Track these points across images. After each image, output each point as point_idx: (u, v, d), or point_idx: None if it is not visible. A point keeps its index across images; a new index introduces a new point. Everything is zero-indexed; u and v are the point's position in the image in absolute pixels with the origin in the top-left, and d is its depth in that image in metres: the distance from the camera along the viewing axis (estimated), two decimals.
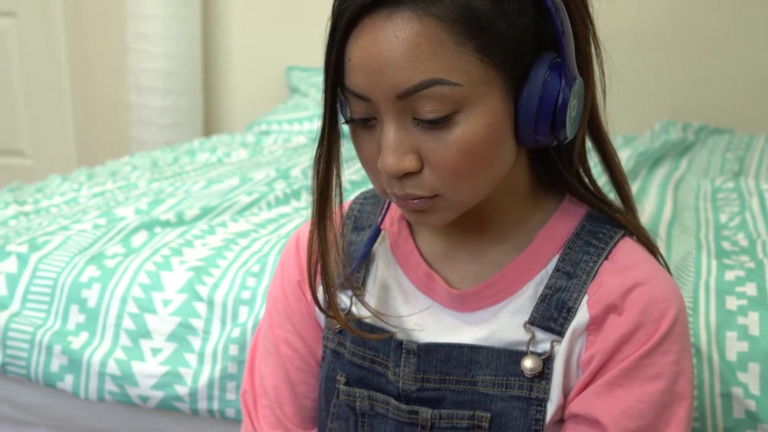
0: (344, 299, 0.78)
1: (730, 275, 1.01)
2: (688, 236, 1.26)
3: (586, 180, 0.74)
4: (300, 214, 1.49)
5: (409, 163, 0.63)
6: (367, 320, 0.76)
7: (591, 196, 0.73)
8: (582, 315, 0.68)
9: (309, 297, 0.80)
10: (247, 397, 0.85)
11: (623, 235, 0.72)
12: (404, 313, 0.75)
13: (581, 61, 0.67)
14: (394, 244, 0.78)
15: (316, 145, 0.69)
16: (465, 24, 0.60)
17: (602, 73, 0.71)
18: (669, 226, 1.30)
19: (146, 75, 2.84)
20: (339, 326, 0.78)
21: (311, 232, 0.73)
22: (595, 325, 0.68)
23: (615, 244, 0.70)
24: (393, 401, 0.73)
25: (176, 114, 2.87)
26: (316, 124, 2.46)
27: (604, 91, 0.72)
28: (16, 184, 1.77)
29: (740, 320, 0.93)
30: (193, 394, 1.12)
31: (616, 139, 2.31)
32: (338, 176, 0.70)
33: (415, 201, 0.65)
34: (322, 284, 0.74)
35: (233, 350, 1.11)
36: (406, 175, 0.64)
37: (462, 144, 0.62)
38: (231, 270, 1.18)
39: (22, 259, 1.25)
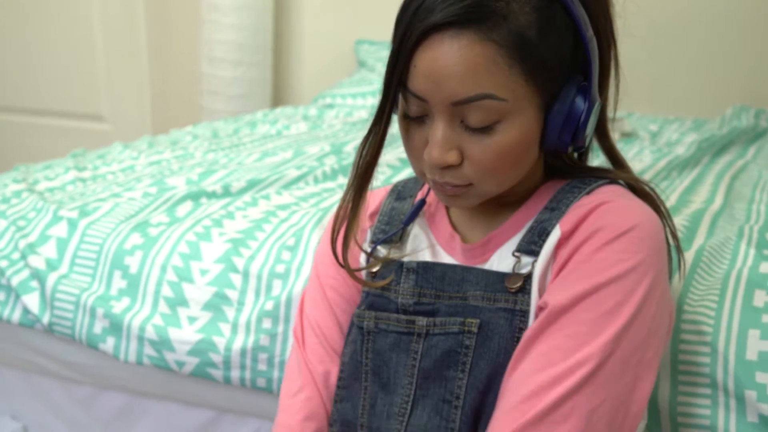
0: (382, 250, 0.90)
1: (765, 267, 0.96)
2: (733, 227, 1.21)
3: (576, 167, 0.85)
4: (344, 189, 1.49)
5: (452, 157, 0.75)
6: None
7: (579, 173, 0.84)
8: (555, 233, 0.78)
9: (354, 250, 0.91)
10: (297, 334, 0.94)
11: (610, 181, 0.82)
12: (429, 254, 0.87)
13: (603, 83, 0.80)
14: (429, 214, 0.91)
15: (366, 132, 0.80)
16: (517, 50, 0.71)
17: (617, 92, 0.84)
18: (715, 216, 1.25)
19: (218, 46, 2.89)
20: (373, 270, 0.88)
21: (342, 202, 0.84)
22: (564, 239, 0.77)
23: (600, 186, 0.81)
24: (393, 315, 0.84)
25: (245, 85, 2.91)
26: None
27: (615, 104, 0.86)
28: (80, 150, 1.83)
29: (765, 318, 0.89)
30: (226, 362, 1.14)
31: (685, 123, 2.23)
32: (376, 164, 0.81)
33: (451, 187, 0.78)
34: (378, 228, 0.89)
35: (266, 323, 1.14)
36: (447, 167, 0.76)
37: (499, 148, 0.74)
38: (267, 243, 1.20)
39: (72, 224, 1.30)
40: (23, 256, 1.29)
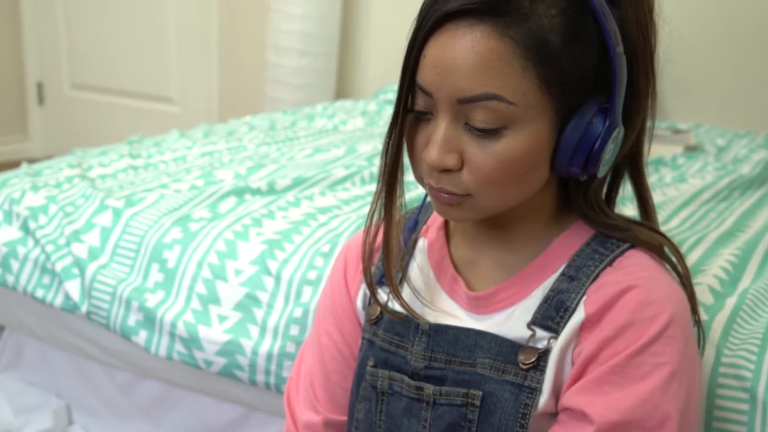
0: (382, 294, 0.83)
1: None
2: None
3: (598, 208, 0.77)
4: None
5: (451, 160, 0.69)
6: (399, 310, 0.82)
7: (597, 222, 0.77)
8: (579, 313, 0.73)
9: (352, 292, 0.88)
10: (293, 374, 0.92)
11: (632, 246, 0.75)
12: (430, 310, 0.81)
13: (634, 108, 0.73)
14: (431, 250, 0.85)
15: (387, 131, 0.74)
16: (535, 53, 0.66)
17: (653, 125, 0.78)
18: None
19: (285, 35, 2.90)
20: (375, 317, 0.84)
21: (371, 213, 0.79)
22: (590, 323, 0.72)
23: (622, 253, 0.75)
24: (406, 379, 0.80)
25: (310, 75, 2.92)
26: None
27: (650, 140, 0.79)
28: (137, 136, 1.86)
29: None
30: (252, 366, 1.14)
31: (755, 139, 2.14)
32: (402, 163, 0.75)
33: (446, 195, 0.71)
34: (383, 259, 0.80)
35: (294, 330, 1.13)
36: (445, 171, 0.70)
37: (501, 156, 0.68)
38: (303, 247, 1.20)
39: (117, 214, 1.32)
40: (68, 243, 1.31)
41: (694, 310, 0.77)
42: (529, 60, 0.66)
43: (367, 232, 0.81)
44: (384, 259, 0.79)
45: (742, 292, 0.99)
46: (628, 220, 0.78)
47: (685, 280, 0.77)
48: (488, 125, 0.67)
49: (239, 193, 1.41)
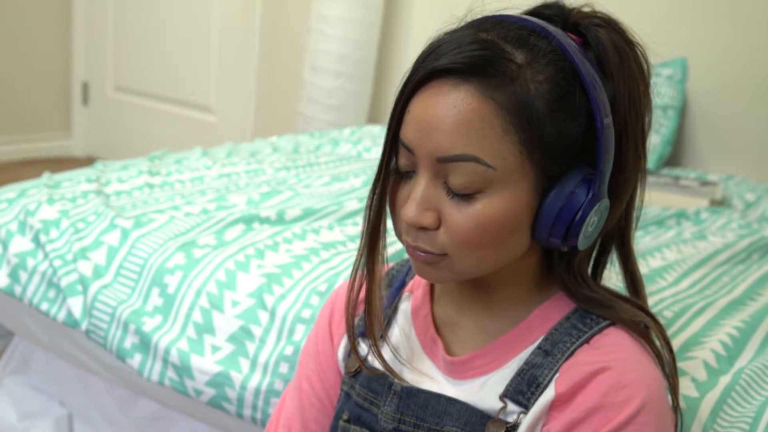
0: (363, 347, 0.83)
1: None
2: None
3: (582, 281, 0.76)
4: None
5: (428, 219, 0.69)
6: (378, 367, 0.81)
7: (577, 296, 0.75)
8: (549, 391, 0.71)
9: (335, 341, 0.88)
10: (270, 428, 0.92)
11: (611, 324, 0.73)
12: (408, 369, 0.80)
13: (622, 184, 0.72)
14: (414, 307, 0.84)
15: (371, 187, 0.75)
16: (518, 117, 0.65)
17: (641, 201, 0.77)
18: None
19: (322, 55, 2.92)
20: (354, 370, 0.83)
21: (355, 269, 0.79)
22: (560, 402, 0.70)
23: (600, 330, 0.73)
24: None
25: (344, 97, 2.93)
26: None
27: (638, 218, 0.78)
28: (159, 152, 1.88)
29: None
30: (240, 399, 1.14)
31: None
32: (386, 220, 0.75)
33: (423, 254, 0.71)
34: (365, 317, 0.80)
35: (283, 368, 1.13)
36: (423, 229, 0.70)
37: (477, 219, 0.68)
38: (301, 283, 1.20)
39: (124, 234, 1.34)
40: (75, 259, 1.33)
41: (675, 398, 0.75)
42: (512, 124, 0.65)
43: (351, 287, 0.80)
44: (366, 316, 0.79)
45: (738, 371, 0.96)
46: (614, 295, 0.76)
47: (667, 365, 0.75)
48: (465, 188, 0.67)
49: (248, 221, 1.42)
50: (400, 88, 0.70)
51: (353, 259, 1.25)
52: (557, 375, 0.72)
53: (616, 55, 0.70)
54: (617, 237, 0.78)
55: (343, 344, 0.87)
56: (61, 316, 1.32)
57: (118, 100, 4.04)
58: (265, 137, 3.29)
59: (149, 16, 3.81)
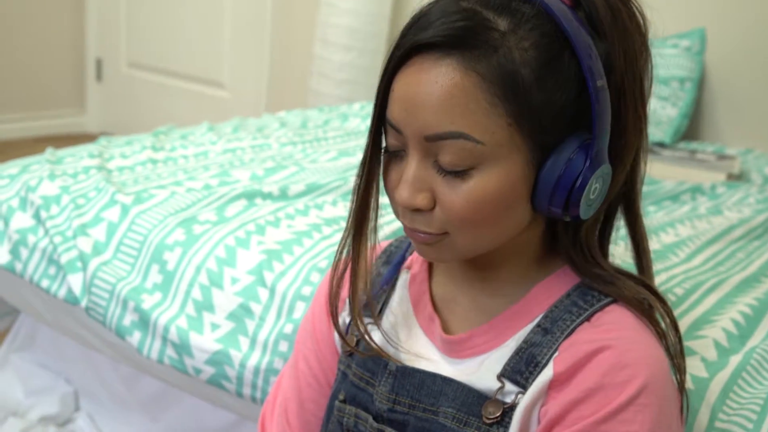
0: (361, 321, 0.79)
1: None
2: None
3: (588, 254, 0.72)
4: None
5: (422, 201, 0.66)
6: (373, 346, 0.78)
7: (582, 271, 0.72)
8: (548, 371, 0.68)
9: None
10: (267, 408, 0.90)
11: (613, 301, 0.70)
12: (405, 347, 0.78)
13: (623, 147, 0.69)
14: (412, 283, 0.81)
15: (359, 167, 0.72)
16: (503, 88, 0.62)
17: (645, 163, 0.73)
18: None
19: (332, 29, 2.87)
20: (349, 349, 0.81)
21: (338, 253, 0.77)
22: (558, 382, 0.68)
23: (601, 308, 0.70)
24: (371, 419, 0.77)
25: (354, 71, 2.89)
26: None
27: (642, 180, 0.74)
28: (165, 128, 1.86)
29: None
30: (239, 378, 1.12)
31: None
32: (375, 203, 0.73)
33: (422, 234, 0.68)
34: (349, 303, 0.78)
35: (283, 346, 1.11)
36: (418, 211, 0.67)
37: (471, 195, 0.65)
38: (301, 260, 1.17)
39: (124, 210, 1.32)
40: (75, 235, 1.31)
41: (681, 379, 0.72)
42: (497, 96, 0.62)
43: (335, 267, 0.78)
44: (350, 305, 0.77)
45: (749, 351, 0.93)
46: (619, 271, 0.73)
47: (672, 346, 0.72)
48: (455, 166, 0.64)
49: (250, 196, 1.39)
50: (383, 65, 0.67)
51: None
52: (556, 354, 0.69)
53: (608, 13, 0.66)
54: (623, 202, 0.74)
55: (340, 322, 0.84)
56: (62, 293, 1.31)
57: (132, 76, 4.02)
58: (275, 113, 3.29)
59: None
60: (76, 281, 1.28)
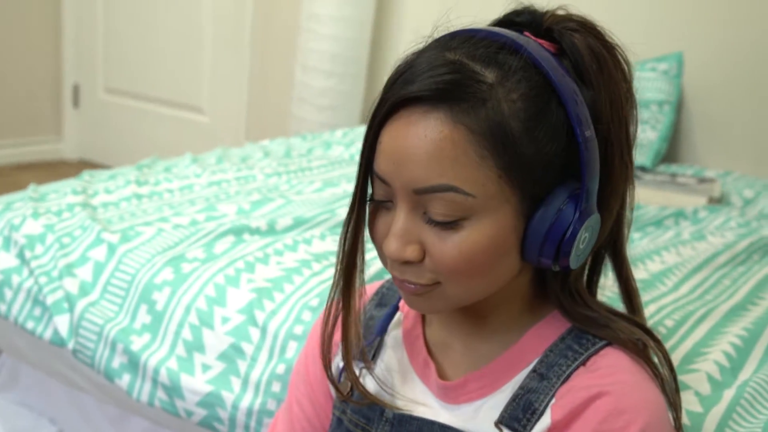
0: (354, 369, 0.78)
1: None
2: None
3: (579, 298, 0.72)
4: None
5: (411, 253, 0.66)
6: (368, 396, 0.78)
7: (572, 315, 0.72)
8: (546, 418, 0.68)
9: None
10: None
11: (608, 344, 0.70)
12: (400, 393, 0.77)
13: (610, 194, 0.69)
14: (406, 328, 0.81)
15: (345, 218, 0.72)
16: (492, 140, 0.62)
17: (631, 210, 0.73)
18: None
19: (313, 55, 2.88)
20: (343, 398, 0.80)
21: (330, 301, 0.77)
22: (556, 429, 0.67)
23: (596, 351, 0.70)
24: None
25: (336, 97, 2.90)
26: None
27: (629, 225, 0.74)
28: (148, 160, 1.85)
29: None
30: (232, 420, 1.11)
31: None
32: (362, 251, 0.73)
33: (412, 286, 0.68)
34: (342, 352, 0.77)
35: (276, 387, 1.10)
36: (408, 263, 0.67)
37: (462, 246, 0.64)
38: (292, 298, 1.17)
39: (111, 249, 1.30)
40: (61, 276, 1.30)
41: (677, 417, 0.72)
42: (487, 148, 0.62)
43: (326, 319, 0.78)
44: (343, 351, 0.76)
45: (742, 384, 0.94)
46: (610, 311, 0.73)
47: (668, 384, 0.72)
48: (446, 218, 0.64)
49: (238, 232, 1.38)
50: (369, 116, 0.67)
51: None
52: (553, 401, 0.69)
53: (594, 61, 0.66)
54: (610, 247, 0.75)
55: (334, 366, 0.84)
56: (48, 334, 1.29)
57: (109, 102, 4.00)
58: (257, 138, 3.27)
59: (139, 17, 3.77)
60: (62, 323, 1.26)
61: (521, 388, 0.71)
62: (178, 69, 3.71)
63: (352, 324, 0.75)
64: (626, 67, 0.70)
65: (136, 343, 1.20)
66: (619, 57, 0.69)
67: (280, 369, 1.10)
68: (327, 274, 1.23)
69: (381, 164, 0.66)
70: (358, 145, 2.16)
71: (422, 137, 0.63)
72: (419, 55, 0.66)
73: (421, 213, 0.65)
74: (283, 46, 3.24)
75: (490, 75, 0.63)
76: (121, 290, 1.26)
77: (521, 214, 0.65)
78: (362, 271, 0.75)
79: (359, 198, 0.70)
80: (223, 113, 3.60)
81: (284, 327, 1.13)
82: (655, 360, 0.72)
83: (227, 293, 1.19)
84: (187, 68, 3.68)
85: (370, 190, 0.71)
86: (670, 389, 0.72)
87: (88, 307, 1.25)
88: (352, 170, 1.93)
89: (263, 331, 1.14)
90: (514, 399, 0.70)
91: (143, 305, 1.23)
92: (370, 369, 0.79)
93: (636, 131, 0.71)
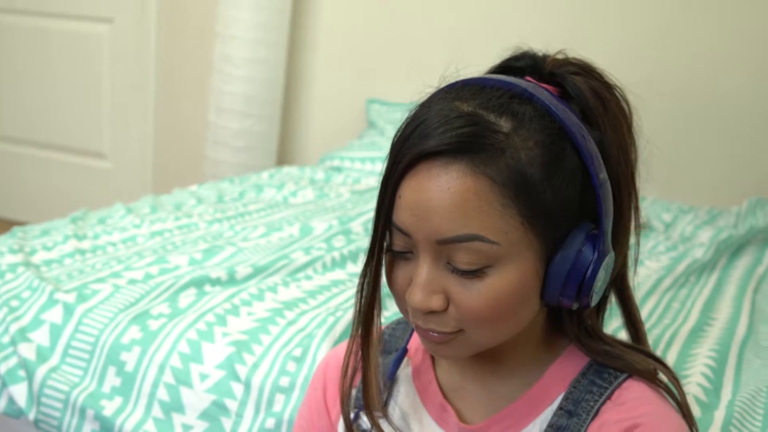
0: (366, 420, 0.78)
1: None
2: (763, 361, 1.16)
3: (594, 334, 0.74)
4: (353, 281, 1.44)
5: (436, 302, 0.66)
6: None
7: (590, 350, 0.73)
8: None
9: (333, 417, 0.83)
10: None
11: (629, 376, 0.72)
12: None
13: (619, 229, 0.70)
14: (415, 372, 0.80)
15: (362, 269, 0.72)
16: (514, 188, 0.63)
17: (637, 243, 0.74)
18: (741, 347, 1.19)
19: (227, 97, 2.84)
20: None
21: (348, 354, 0.77)
22: None
23: (619, 384, 0.71)
24: None
25: (252, 138, 2.87)
26: None
27: (636, 258, 0.75)
28: (80, 212, 1.77)
29: None
30: None
31: (699, 214, 2.19)
32: (379, 302, 0.73)
33: (436, 334, 0.68)
34: (364, 403, 0.76)
35: None
36: (432, 312, 0.67)
37: (489, 295, 0.65)
38: (273, 349, 1.14)
39: (68, 310, 1.24)
40: (13, 342, 1.22)
41: None
42: (509, 197, 0.63)
43: (344, 373, 0.77)
44: (364, 403, 0.75)
45: (729, 404, 0.99)
46: (621, 344, 0.75)
47: (684, 409, 0.75)
48: (470, 266, 0.64)
49: (199, 284, 1.34)
50: (385, 171, 0.67)
51: (321, 318, 1.21)
52: None
53: (599, 103, 0.69)
54: (616, 282, 0.76)
55: (342, 418, 0.83)
56: (1, 405, 1.21)
57: (4, 151, 3.80)
58: (167, 182, 3.19)
59: (30, 58, 3.61)
60: (19, 392, 1.19)
61: (550, 426, 0.71)
62: (76, 113, 3.57)
63: (372, 375, 0.75)
64: (626, 107, 0.72)
65: (108, 408, 1.14)
66: (620, 97, 0.72)
67: (270, 423, 1.07)
68: (302, 322, 1.21)
69: (402, 217, 0.66)
70: (290, 187, 2.15)
71: (445, 189, 0.63)
72: (428, 108, 0.67)
73: (444, 263, 0.66)
74: (193, 87, 3.18)
75: (505, 124, 0.64)
76: (84, 353, 1.20)
77: (542, 258, 0.66)
78: (379, 323, 0.74)
79: (378, 249, 0.69)
80: (127, 158, 3.49)
81: (269, 380, 1.10)
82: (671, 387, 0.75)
83: (202, 348, 1.15)
84: (85, 111, 3.54)
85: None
86: (689, 414, 0.75)
87: (49, 373, 1.18)
88: (291, 213, 1.92)
89: (247, 385, 1.11)
90: None
91: (111, 367, 1.17)
92: (387, 416, 0.78)
93: (637, 171, 0.75)
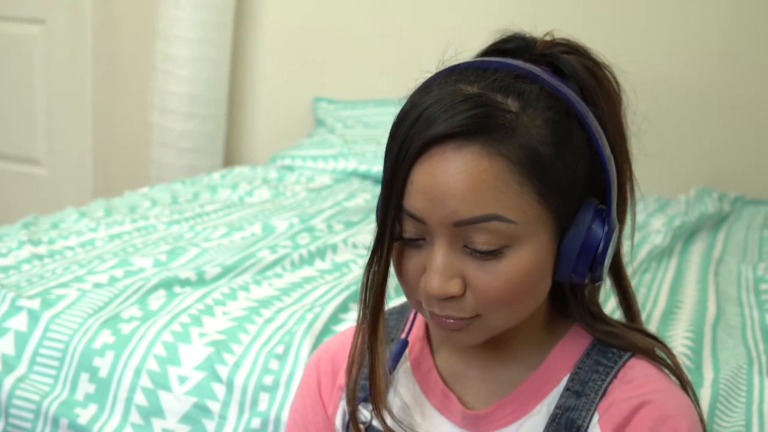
0: (365, 413, 0.78)
1: None
2: (735, 341, 1.19)
3: (597, 313, 0.75)
4: (324, 277, 1.42)
5: (454, 287, 0.65)
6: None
7: (596, 330, 0.74)
8: None
9: (329, 411, 0.82)
10: None
11: (632, 355, 0.73)
12: (422, 430, 0.76)
13: (619, 204, 0.71)
14: (414, 362, 0.79)
15: (368, 259, 0.70)
16: (529, 166, 0.63)
17: (633, 219, 0.74)
18: (714, 327, 1.22)
19: (171, 97, 2.78)
20: None
21: (354, 347, 0.76)
22: None
23: (624, 363, 0.72)
24: None
25: (197, 139, 2.81)
26: (341, 164, 2.37)
27: (633, 234, 0.74)
28: (30, 217, 1.70)
29: None
30: None
31: (648, 203, 2.24)
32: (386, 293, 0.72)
33: (453, 321, 0.67)
34: (369, 397, 0.75)
35: None
36: (449, 298, 0.66)
37: (508, 275, 0.65)
38: (253, 348, 1.12)
39: (33, 317, 1.19)
40: None
41: (699, 411, 0.76)
42: (524, 175, 0.63)
43: (349, 369, 0.77)
44: (372, 396, 0.74)
45: (714, 382, 1.01)
46: (620, 323, 0.76)
47: (686, 384, 0.76)
48: (490, 246, 0.64)
49: (167, 285, 1.31)
50: (392, 158, 0.65)
51: (299, 315, 1.19)
52: (597, 416, 0.70)
53: (593, 80, 0.70)
54: (613, 263, 0.76)
55: (340, 411, 0.81)
56: None
57: None
58: (108, 188, 3.10)
59: None
60: None
61: (558, 407, 0.72)
62: (9, 118, 3.45)
63: (379, 368, 0.74)
64: (615, 84, 0.73)
65: (83, 416, 1.10)
66: (609, 74, 0.72)
67: (255, 423, 1.05)
68: (280, 319, 1.19)
69: (415, 202, 0.65)
70: (245, 187, 2.12)
71: (462, 171, 0.63)
72: (429, 93, 0.66)
73: (461, 246, 0.65)
74: (133, 88, 3.10)
75: (513, 104, 0.64)
76: (54, 360, 1.15)
77: (554, 235, 0.67)
78: (384, 315, 0.73)
79: (389, 238, 0.68)
80: (64, 164, 3.38)
81: (252, 379, 1.08)
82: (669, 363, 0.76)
83: (179, 350, 1.12)
84: (19, 117, 3.42)
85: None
86: (691, 390, 0.76)
87: (17, 383, 1.13)
88: (250, 212, 1.89)
89: (229, 385, 1.08)
90: (554, 419, 0.71)
91: (84, 374, 1.13)
92: (389, 410, 0.76)
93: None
